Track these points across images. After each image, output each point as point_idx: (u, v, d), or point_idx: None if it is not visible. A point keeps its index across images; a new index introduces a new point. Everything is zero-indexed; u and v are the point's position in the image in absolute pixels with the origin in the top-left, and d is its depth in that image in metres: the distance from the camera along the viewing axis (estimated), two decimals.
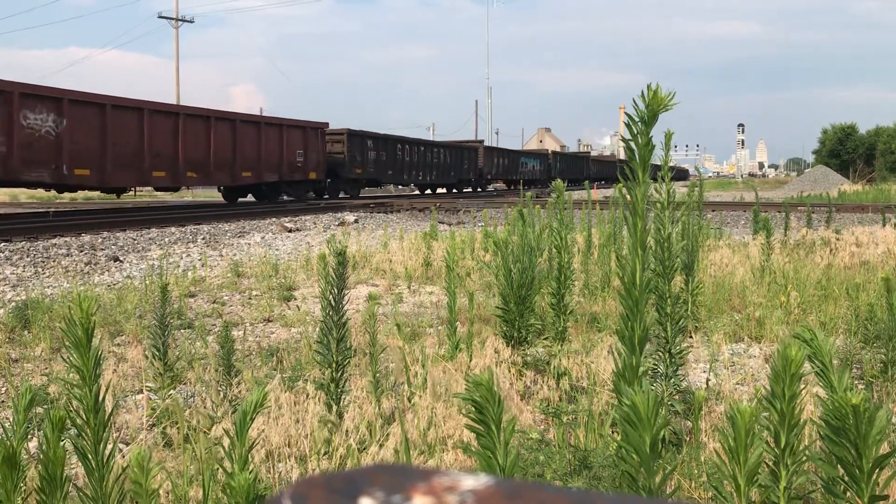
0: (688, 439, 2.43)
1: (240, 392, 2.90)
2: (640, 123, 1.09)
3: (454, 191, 32.59)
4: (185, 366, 3.43)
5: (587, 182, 45.88)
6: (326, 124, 21.91)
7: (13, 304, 5.08)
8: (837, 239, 7.78)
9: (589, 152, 57.53)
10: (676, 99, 1.09)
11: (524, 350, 3.41)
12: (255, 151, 18.92)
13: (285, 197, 21.24)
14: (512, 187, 39.25)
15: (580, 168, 50.85)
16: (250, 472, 1.05)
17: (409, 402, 2.76)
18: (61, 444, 1.28)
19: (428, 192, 31.75)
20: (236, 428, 1.14)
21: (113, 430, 2.53)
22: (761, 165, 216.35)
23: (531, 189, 37.02)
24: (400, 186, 34.68)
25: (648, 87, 1.09)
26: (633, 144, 1.12)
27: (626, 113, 1.19)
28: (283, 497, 0.28)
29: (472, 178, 33.54)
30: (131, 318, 4.53)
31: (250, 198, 21.34)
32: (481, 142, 36.12)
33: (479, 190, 34.41)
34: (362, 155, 23.49)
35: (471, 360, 3.24)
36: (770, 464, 1.11)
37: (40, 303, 4.71)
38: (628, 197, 1.16)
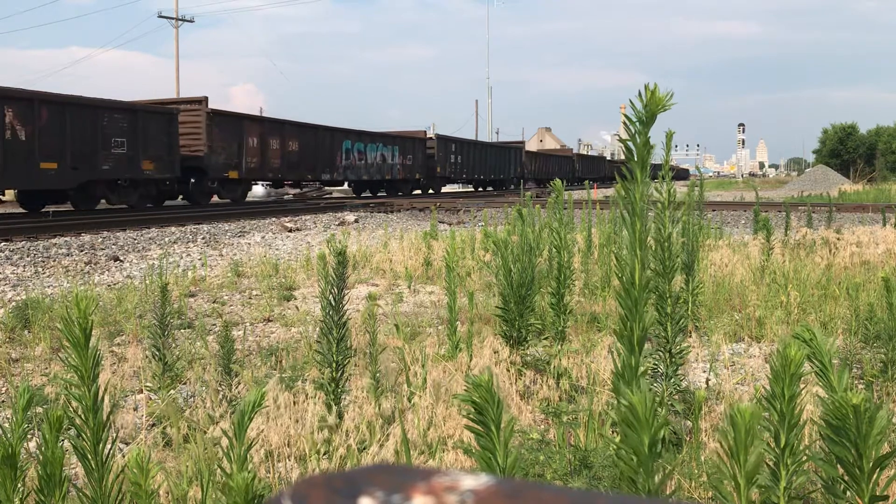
0: (688, 439, 2.43)
1: (239, 392, 2.90)
2: (637, 123, 1.09)
3: (128, 204, 15.94)
4: (185, 365, 3.43)
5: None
6: None
7: (13, 303, 5.08)
8: (838, 239, 7.77)
9: (522, 142, 40.46)
10: (676, 99, 1.09)
11: (524, 350, 3.41)
12: None
13: None
14: (347, 194, 24.24)
15: (502, 164, 32.78)
16: (249, 472, 1.05)
17: (409, 402, 2.76)
18: (60, 443, 1.27)
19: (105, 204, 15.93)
20: (235, 428, 1.14)
21: (112, 430, 2.52)
22: (762, 165, 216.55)
23: (387, 196, 22.47)
24: None
25: (646, 87, 1.09)
26: (631, 144, 1.12)
27: (623, 113, 1.19)
28: (283, 497, 0.28)
29: (166, 174, 16.24)
30: (131, 317, 4.52)
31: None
32: (201, 100, 17.03)
33: (211, 202, 17.92)
34: None
35: (471, 360, 3.24)
36: (770, 464, 1.11)
37: (40, 302, 4.71)
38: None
